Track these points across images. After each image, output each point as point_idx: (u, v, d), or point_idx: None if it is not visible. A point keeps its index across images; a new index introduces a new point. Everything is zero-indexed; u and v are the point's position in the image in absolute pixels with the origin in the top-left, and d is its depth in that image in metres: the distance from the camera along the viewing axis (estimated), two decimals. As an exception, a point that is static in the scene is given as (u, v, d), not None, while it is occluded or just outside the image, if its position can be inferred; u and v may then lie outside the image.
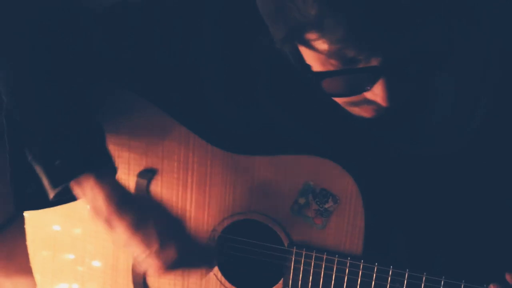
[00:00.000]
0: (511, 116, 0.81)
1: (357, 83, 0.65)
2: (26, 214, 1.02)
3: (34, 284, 1.09)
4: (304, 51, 0.65)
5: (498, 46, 0.83)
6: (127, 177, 0.90)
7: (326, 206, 0.81)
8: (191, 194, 0.88)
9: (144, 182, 0.89)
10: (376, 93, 0.65)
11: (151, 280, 0.93)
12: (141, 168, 0.89)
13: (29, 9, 0.78)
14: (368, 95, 0.66)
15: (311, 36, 0.61)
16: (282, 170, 0.83)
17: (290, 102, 0.82)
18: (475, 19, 0.68)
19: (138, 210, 0.81)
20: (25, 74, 0.77)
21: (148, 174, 0.89)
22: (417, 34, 0.60)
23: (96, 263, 0.97)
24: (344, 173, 0.80)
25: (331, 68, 0.64)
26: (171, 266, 0.83)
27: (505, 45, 0.84)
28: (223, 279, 0.88)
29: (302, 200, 0.82)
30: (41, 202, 0.83)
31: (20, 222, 1.23)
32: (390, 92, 0.64)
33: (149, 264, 0.81)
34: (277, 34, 0.64)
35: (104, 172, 0.80)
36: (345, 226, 0.82)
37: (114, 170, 0.82)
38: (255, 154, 0.85)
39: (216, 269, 0.88)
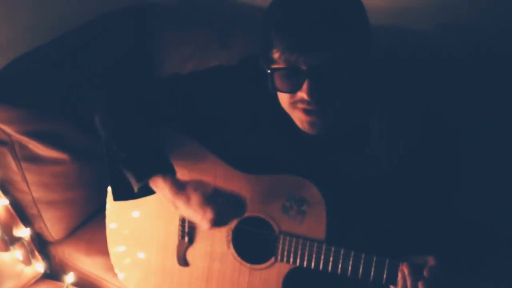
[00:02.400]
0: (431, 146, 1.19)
1: (292, 82, 1.05)
2: (108, 205, 1.42)
3: (108, 264, 1.47)
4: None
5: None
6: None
7: (303, 208, 1.20)
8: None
9: None
10: (303, 90, 1.03)
11: (189, 253, 1.33)
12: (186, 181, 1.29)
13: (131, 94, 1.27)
14: (300, 94, 1.05)
15: (272, 52, 1.05)
16: (277, 184, 1.22)
17: (284, 144, 1.23)
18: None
19: (190, 189, 1.21)
20: (125, 127, 1.25)
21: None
22: (329, 51, 1.00)
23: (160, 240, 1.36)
24: (313, 187, 1.18)
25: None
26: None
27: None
28: (235, 255, 1.28)
29: (288, 204, 1.21)
30: (129, 195, 1.26)
31: (98, 217, 1.67)
32: (311, 90, 1.03)
33: (203, 222, 1.20)
34: (262, 54, 1.09)
35: (168, 174, 1.22)
36: (314, 221, 1.19)
37: (174, 172, 1.24)
38: (260, 174, 1.24)
39: (231, 247, 1.28)
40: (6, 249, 1.50)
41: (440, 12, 1.56)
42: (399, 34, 1.59)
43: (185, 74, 1.31)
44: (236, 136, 1.27)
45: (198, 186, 1.23)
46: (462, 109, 1.34)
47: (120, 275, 1.44)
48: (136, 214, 1.39)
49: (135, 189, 1.23)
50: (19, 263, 1.53)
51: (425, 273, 1.07)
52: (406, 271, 1.10)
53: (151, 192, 1.25)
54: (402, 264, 1.11)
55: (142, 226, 1.39)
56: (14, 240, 1.52)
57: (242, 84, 1.24)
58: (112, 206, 1.43)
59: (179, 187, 1.22)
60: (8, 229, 1.51)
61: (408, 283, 1.09)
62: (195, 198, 1.20)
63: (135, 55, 1.79)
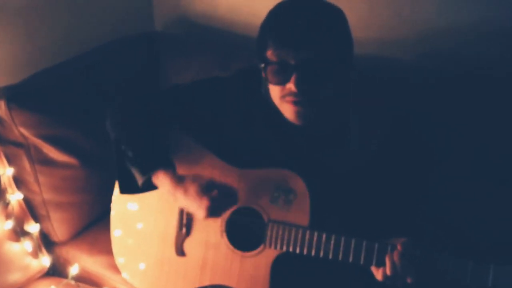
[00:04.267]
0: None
1: (282, 75, 1.21)
2: (113, 212, 1.55)
3: (109, 262, 1.61)
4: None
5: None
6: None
7: (289, 197, 1.32)
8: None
9: None
10: (291, 82, 1.19)
11: (185, 244, 1.44)
12: (184, 176, 1.43)
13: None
14: (288, 85, 1.21)
15: (267, 51, 1.22)
16: (266, 177, 1.35)
17: (273, 142, 1.37)
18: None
19: (187, 182, 1.34)
20: (133, 130, 1.40)
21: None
22: (313, 49, 1.17)
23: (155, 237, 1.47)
24: (299, 178, 1.31)
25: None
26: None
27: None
28: (228, 243, 1.39)
29: (276, 194, 1.33)
30: (134, 190, 1.40)
31: (101, 221, 1.79)
32: (298, 82, 1.19)
33: (200, 210, 1.32)
34: (258, 56, 1.25)
35: (169, 168, 1.36)
36: (299, 209, 1.30)
37: (174, 167, 1.38)
38: (251, 168, 1.37)
39: (225, 236, 1.40)
40: (17, 239, 1.61)
41: (420, 42, 1.76)
42: (380, 62, 1.79)
43: (186, 83, 1.48)
44: (230, 136, 1.41)
45: (195, 178, 1.36)
46: (429, 113, 1.51)
47: (124, 274, 1.54)
48: (134, 206, 1.52)
49: (139, 183, 1.37)
50: (27, 256, 1.64)
51: (398, 247, 1.20)
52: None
53: (153, 187, 1.39)
54: (378, 245, 1.23)
55: (143, 223, 1.51)
56: (25, 233, 1.64)
57: (236, 90, 1.41)
58: (116, 213, 1.56)
59: (178, 180, 1.35)
60: (20, 222, 1.63)
61: (387, 260, 1.21)
62: (192, 189, 1.32)
63: (144, 75, 1.97)
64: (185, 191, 1.33)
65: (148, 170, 1.35)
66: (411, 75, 1.73)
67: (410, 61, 1.77)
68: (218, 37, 2.08)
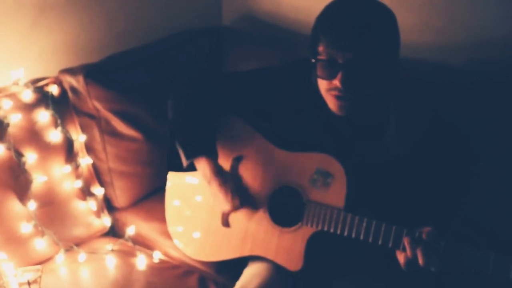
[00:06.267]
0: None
1: (330, 71, 1.32)
2: (169, 183, 1.71)
3: (162, 229, 1.75)
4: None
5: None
6: (228, 158, 1.58)
7: (328, 180, 1.43)
8: (260, 170, 1.53)
9: (236, 163, 1.60)
10: (337, 79, 1.29)
11: (231, 217, 1.58)
12: (235, 154, 1.58)
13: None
14: (334, 81, 1.31)
15: (318, 46, 1.32)
16: (307, 160, 1.45)
17: (318, 128, 1.48)
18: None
19: (225, 178, 1.51)
20: (187, 116, 1.56)
21: (239, 158, 1.59)
22: (361, 51, 1.26)
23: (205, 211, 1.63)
24: (338, 164, 1.40)
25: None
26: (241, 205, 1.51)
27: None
28: (269, 219, 1.51)
29: (315, 176, 1.44)
30: (179, 169, 1.57)
31: (159, 193, 1.94)
32: (343, 80, 1.29)
33: (225, 205, 1.51)
34: (310, 48, 1.36)
35: (212, 156, 1.52)
36: (336, 192, 1.40)
37: (216, 156, 1.54)
38: (296, 151, 1.48)
39: (266, 212, 1.52)
40: (84, 198, 1.80)
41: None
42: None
43: (243, 71, 1.62)
44: (279, 120, 1.54)
45: (227, 176, 1.54)
46: (466, 113, 1.56)
47: (176, 241, 1.70)
48: (191, 180, 1.66)
49: (184, 164, 1.53)
50: (91, 215, 1.83)
51: (423, 236, 1.27)
52: (407, 240, 1.30)
53: (196, 169, 1.55)
54: (406, 230, 1.31)
55: (198, 196, 1.65)
56: (91, 194, 1.83)
57: (288, 79, 1.53)
58: (173, 184, 1.71)
59: (217, 171, 1.51)
60: (87, 184, 1.82)
61: (408, 248, 1.29)
62: (225, 184, 1.51)
63: (207, 66, 2.13)
64: (219, 184, 1.51)
65: (191, 156, 1.51)
66: (461, 81, 1.78)
67: (461, 67, 1.81)
68: (280, 35, 2.21)
